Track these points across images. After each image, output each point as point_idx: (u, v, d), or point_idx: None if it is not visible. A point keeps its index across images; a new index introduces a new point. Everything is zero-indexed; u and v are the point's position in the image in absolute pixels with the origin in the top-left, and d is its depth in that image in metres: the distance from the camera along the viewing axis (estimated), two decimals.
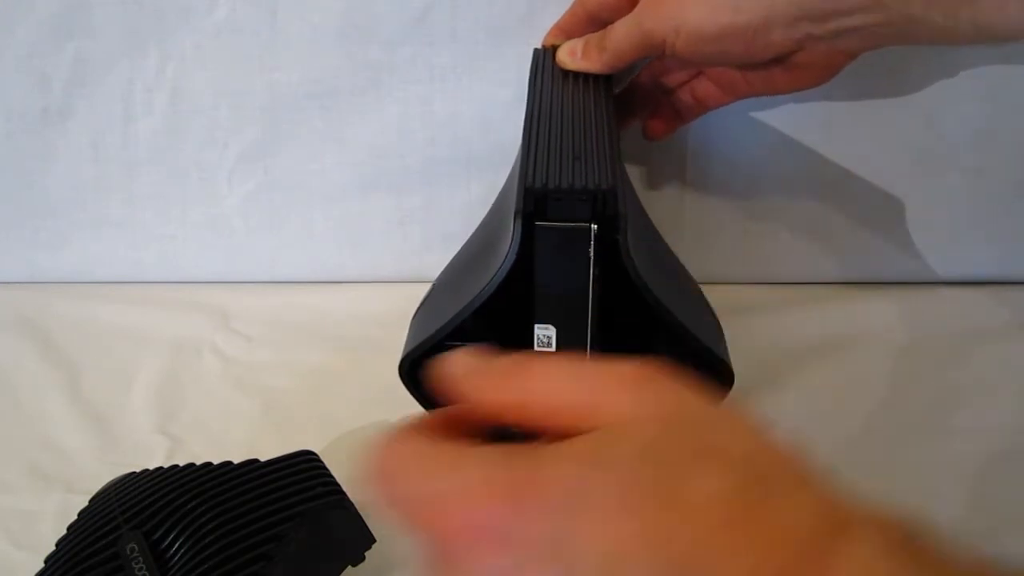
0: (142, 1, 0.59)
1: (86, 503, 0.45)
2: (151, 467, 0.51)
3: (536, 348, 0.43)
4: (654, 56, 0.55)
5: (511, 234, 0.41)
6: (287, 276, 0.67)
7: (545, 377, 0.28)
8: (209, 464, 0.44)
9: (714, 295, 0.53)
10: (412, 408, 0.47)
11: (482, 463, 0.27)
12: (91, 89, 0.61)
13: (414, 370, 0.48)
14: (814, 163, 0.63)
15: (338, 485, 0.43)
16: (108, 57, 0.61)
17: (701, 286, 0.54)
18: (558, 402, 0.28)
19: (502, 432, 0.29)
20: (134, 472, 0.46)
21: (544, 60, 0.55)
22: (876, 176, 0.64)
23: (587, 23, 0.56)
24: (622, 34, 0.51)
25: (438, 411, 0.30)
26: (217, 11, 0.60)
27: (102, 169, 0.64)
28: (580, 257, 0.41)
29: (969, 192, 0.64)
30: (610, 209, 0.41)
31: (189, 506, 0.41)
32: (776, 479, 0.25)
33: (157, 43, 0.60)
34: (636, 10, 0.51)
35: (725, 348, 0.49)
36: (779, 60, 0.51)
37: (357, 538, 0.42)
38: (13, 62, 0.61)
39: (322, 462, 0.45)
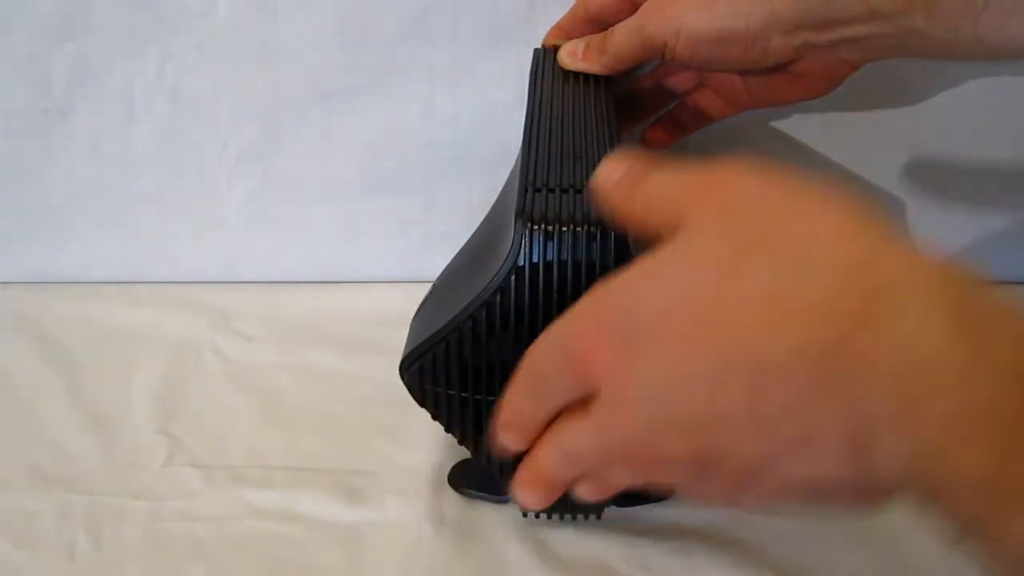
0: (142, 1, 0.59)
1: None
2: (151, 467, 0.51)
3: None
4: (655, 59, 0.55)
5: (511, 234, 0.41)
6: (287, 276, 0.67)
7: (655, 182, 0.34)
8: None
9: None
10: (412, 408, 0.47)
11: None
12: (91, 89, 0.61)
13: (414, 370, 0.48)
14: (814, 163, 0.63)
15: None
16: (108, 57, 0.61)
17: None
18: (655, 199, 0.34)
19: None
20: None
21: (544, 60, 0.55)
22: (876, 176, 0.64)
23: (588, 24, 0.56)
24: (624, 36, 0.51)
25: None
26: (217, 11, 0.60)
27: (102, 169, 0.64)
28: None
29: (969, 192, 0.64)
30: None
31: None
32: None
33: (157, 43, 0.60)
34: (638, 13, 0.51)
35: None
36: (780, 68, 0.51)
37: None
38: (13, 62, 0.61)
39: None
